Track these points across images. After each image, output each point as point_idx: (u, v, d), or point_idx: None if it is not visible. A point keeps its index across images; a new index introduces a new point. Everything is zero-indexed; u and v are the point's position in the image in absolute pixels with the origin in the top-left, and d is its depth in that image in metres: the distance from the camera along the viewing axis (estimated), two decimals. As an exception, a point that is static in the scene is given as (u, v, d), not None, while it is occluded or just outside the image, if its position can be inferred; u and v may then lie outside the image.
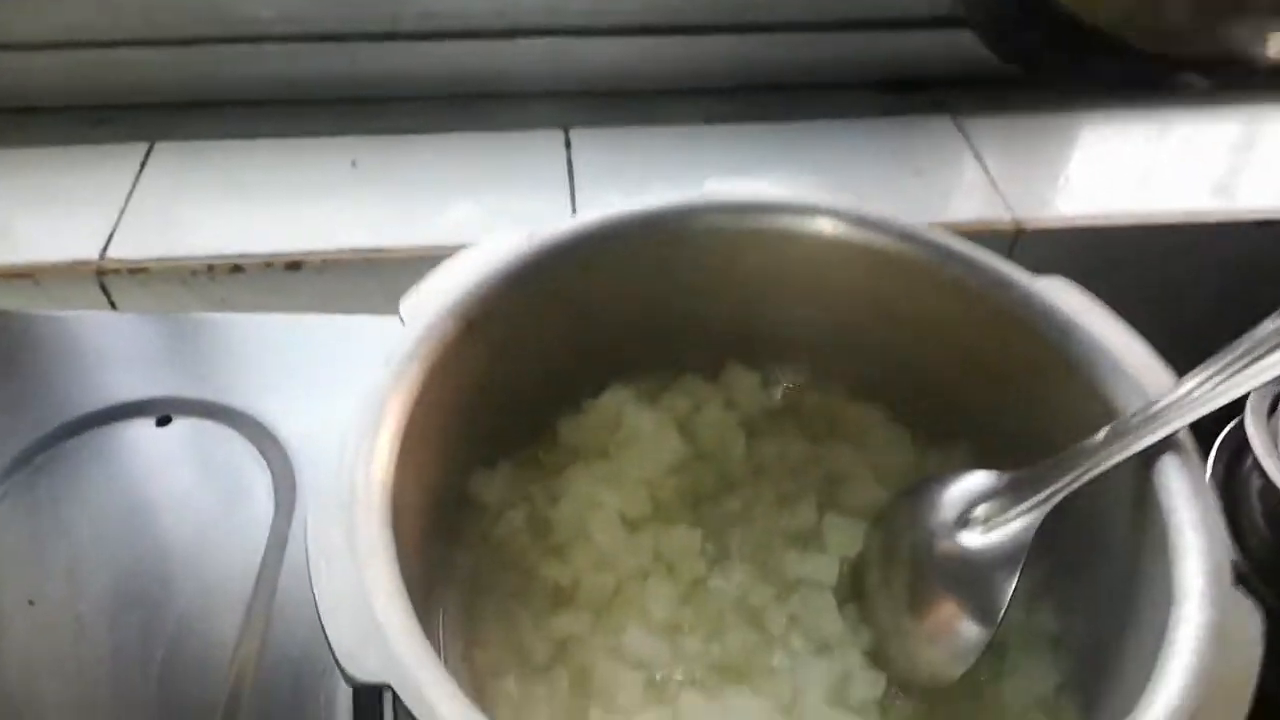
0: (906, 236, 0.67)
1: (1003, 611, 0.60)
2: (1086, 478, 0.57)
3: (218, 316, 0.96)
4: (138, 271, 0.99)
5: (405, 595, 0.50)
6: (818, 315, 0.74)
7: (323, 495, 0.52)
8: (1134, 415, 0.58)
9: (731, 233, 0.69)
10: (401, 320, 0.61)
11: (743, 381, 0.75)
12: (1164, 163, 1.17)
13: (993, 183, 1.11)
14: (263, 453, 0.84)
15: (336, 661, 0.47)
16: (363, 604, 0.48)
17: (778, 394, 0.77)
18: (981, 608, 0.61)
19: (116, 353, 0.91)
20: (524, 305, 0.65)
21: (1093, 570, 0.64)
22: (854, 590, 0.68)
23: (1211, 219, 1.08)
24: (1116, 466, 0.57)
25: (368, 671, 0.46)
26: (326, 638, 0.47)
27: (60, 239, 1.01)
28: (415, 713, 0.45)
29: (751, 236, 0.70)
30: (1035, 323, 0.63)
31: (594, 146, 1.13)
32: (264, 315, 0.94)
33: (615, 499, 0.69)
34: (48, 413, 0.86)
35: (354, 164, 1.10)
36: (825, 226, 0.69)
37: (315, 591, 0.49)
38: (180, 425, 0.86)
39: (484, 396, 0.67)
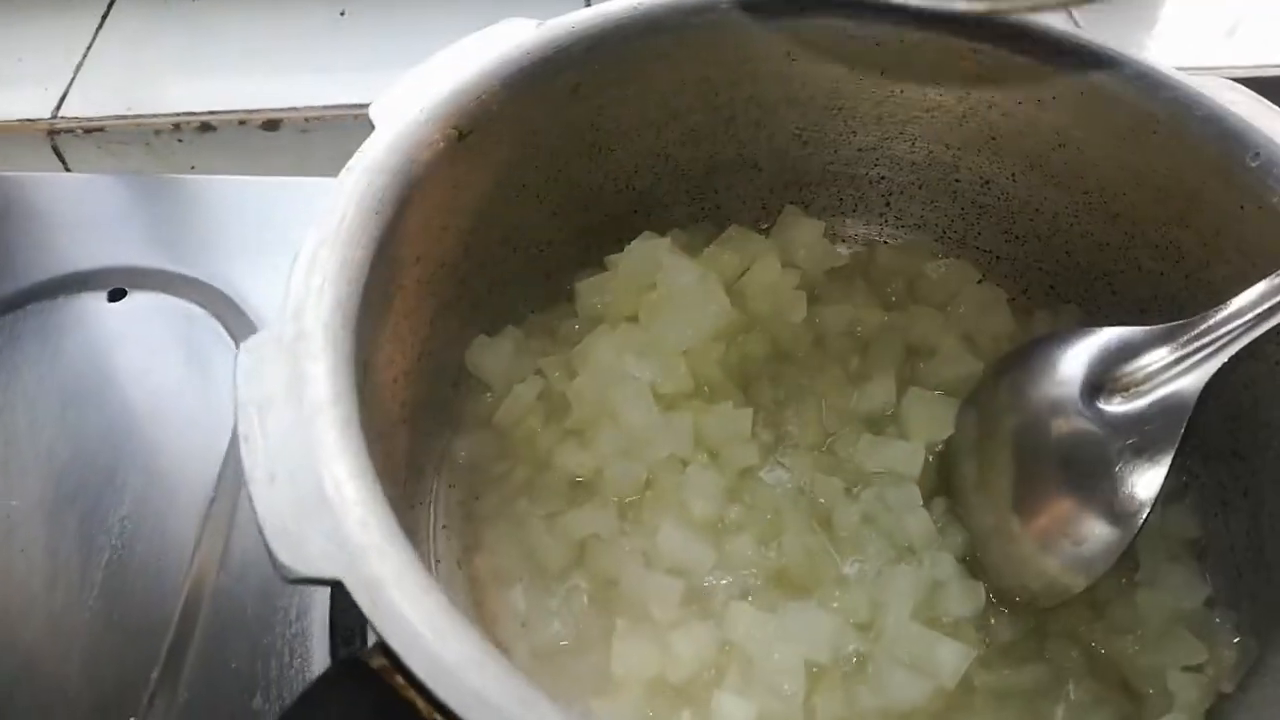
0: (1017, 31, 0.52)
1: (1149, 506, 0.46)
2: (1276, 319, 0.43)
3: (183, 177, 0.82)
4: (93, 131, 0.86)
5: (369, 464, 0.37)
6: (897, 145, 0.60)
7: (259, 333, 0.39)
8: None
9: (793, 30, 0.55)
10: (372, 125, 0.47)
11: (803, 233, 0.61)
12: (1255, 14, 1.03)
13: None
14: (230, 330, 0.71)
15: (267, 547, 0.34)
16: (307, 471, 0.35)
17: (845, 249, 0.63)
18: (1116, 502, 0.47)
19: (64, 217, 0.78)
20: (531, 115, 0.51)
21: (1252, 455, 0.51)
22: (944, 484, 0.54)
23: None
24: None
25: (308, 560, 0.33)
26: (255, 514, 0.34)
27: (9, 97, 0.88)
28: (373, 618, 0.32)
29: (819, 35, 0.55)
30: (1195, 131, 0.49)
31: (619, -5, 0.98)
32: (235, 177, 0.81)
33: (647, 371, 0.55)
34: (-19, 284, 0.74)
35: (343, 13, 0.95)
36: (913, 22, 0.54)
37: (243, 452, 0.36)
38: (135, 299, 0.73)
39: (482, 236, 0.53)
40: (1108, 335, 0.49)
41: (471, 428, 0.56)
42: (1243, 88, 0.50)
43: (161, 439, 0.67)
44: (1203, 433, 0.53)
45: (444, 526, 0.54)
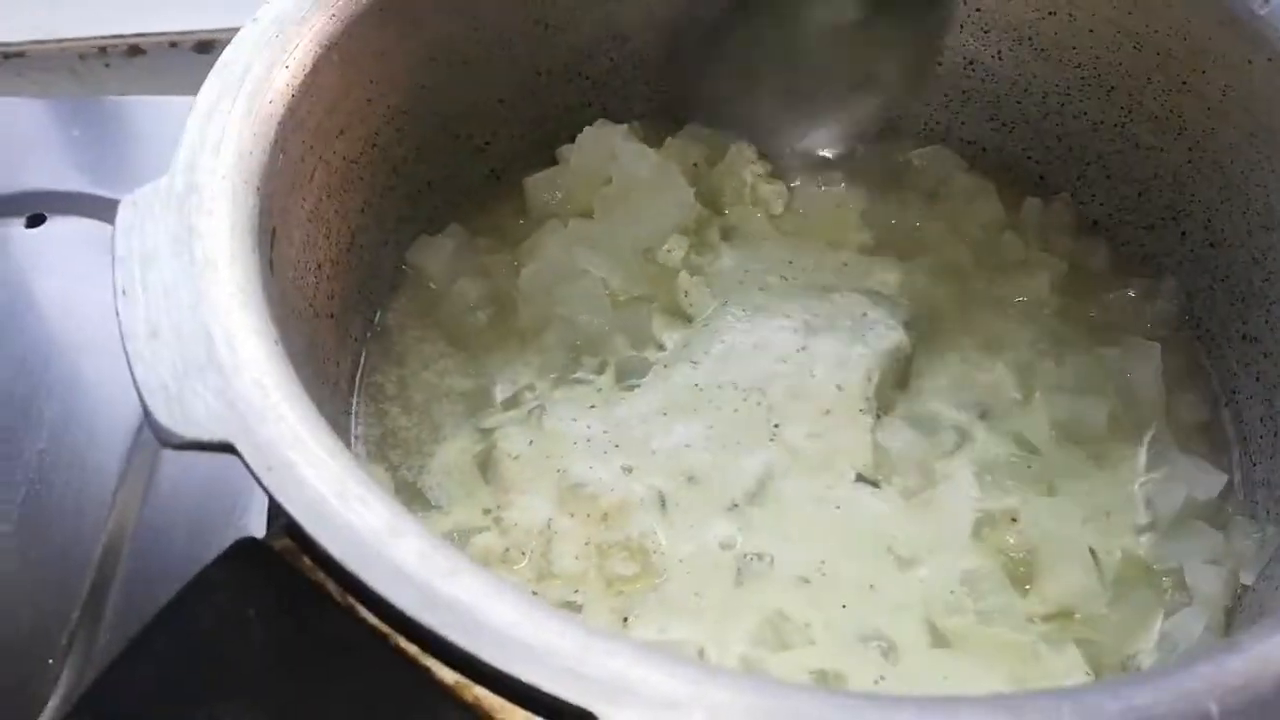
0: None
1: None
2: None
3: (106, 99, 0.77)
4: (13, 56, 0.80)
5: (270, 325, 0.32)
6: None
7: (144, 186, 0.34)
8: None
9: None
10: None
11: (782, 128, 0.56)
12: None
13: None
14: (158, 254, 0.66)
15: (144, 407, 0.29)
16: (195, 326, 0.30)
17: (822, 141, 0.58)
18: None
19: (-24, 139, 0.72)
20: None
21: (1264, 337, 0.47)
22: None
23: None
24: None
25: (192, 422, 0.28)
26: (131, 373, 0.29)
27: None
28: (269, 485, 0.28)
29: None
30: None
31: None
32: (162, 97, 0.75)
33: (601, 268, 0.50)
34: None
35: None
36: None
37: (118, 307, 0.31)
38: (55, 224, 0.67)
39: (418, 119, 0.48)
40: None
41: (409, 328, 0.51)
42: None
43: (82, 370, 0.62)
44: (1209, 317, 0.49)
45: (367, 438, 0.48)
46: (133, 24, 0.81)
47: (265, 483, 0.27)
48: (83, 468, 0.57)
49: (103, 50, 0.80)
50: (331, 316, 0.44)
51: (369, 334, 0.49)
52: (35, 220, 0.68)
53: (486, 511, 0.44)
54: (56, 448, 0.57)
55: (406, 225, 0.51)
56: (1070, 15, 0.50)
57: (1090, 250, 0.54)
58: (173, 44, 0.80)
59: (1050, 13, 0.51)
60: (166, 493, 0.55)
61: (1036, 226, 0.53)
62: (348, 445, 0.44)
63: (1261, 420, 0.46)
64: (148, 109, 0.75)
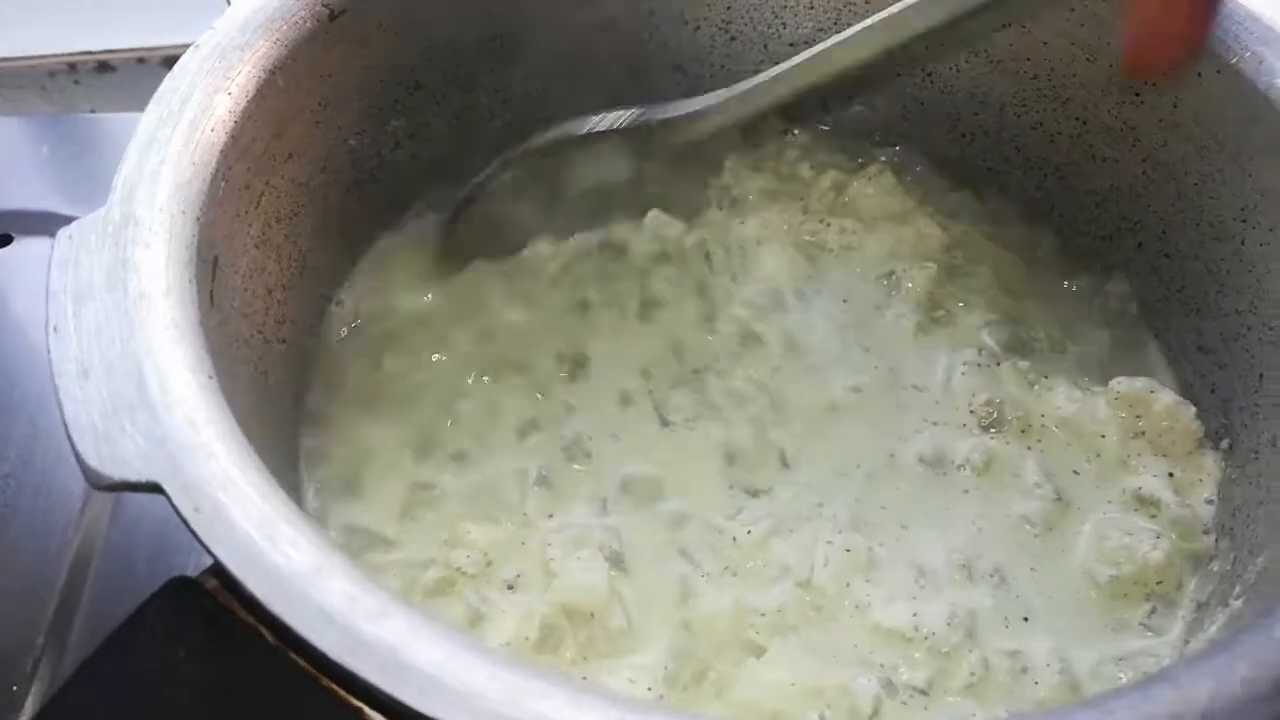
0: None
1: None
2: None
3: (74, 116, 0.77)
4: (-19, 75, 0.80)
5: (205, 360, 0.32)
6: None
7: (81, 219, 0.34)
8: None
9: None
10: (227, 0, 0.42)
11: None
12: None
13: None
14: (125, 274, 0.65)
15: (73, 448, 0.29)
16: (128, 364, 0.30)
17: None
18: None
19: (-57, 160, 0.72)
20: (416, -1, 0.46)
21: (1219, 349, 0.46)
22: None
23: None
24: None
25: (121, 462, 0.28)
26: (61, 412, 0.29)
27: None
28: (196, 527, 0.27)
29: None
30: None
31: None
32: (131, 114, 0.74)
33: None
34: None
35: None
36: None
37: (50, 344, 0.30)
38: (22, 245, 0.67)
39: (371, 140, 0.48)
40: None
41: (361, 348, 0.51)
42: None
43: (49, 391, 0.61)
44: (1165, 329, 0.50)
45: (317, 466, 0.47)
46: (102, 40, 0.81)
47: (191, 524, 0.27)
48: (49, 490, 0.57)
49: (72, 67, 0.80)
50: (283, 342, 0.44)
51: (323, 357, 0.49)
52: (2, 241, 0.68)
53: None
54: (23, 470, 0.57)
55: (362, 245, 0.51)
56: (1024, 27, 0.50)
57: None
58: (141, 60, 0.80)
59: (1005, 25, 0.51)
60: (133, 515, 0.55)
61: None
62: (296, 472, 0.44)
63: (1217, 433, 0.46)
64: (118, 125, 0.75)
